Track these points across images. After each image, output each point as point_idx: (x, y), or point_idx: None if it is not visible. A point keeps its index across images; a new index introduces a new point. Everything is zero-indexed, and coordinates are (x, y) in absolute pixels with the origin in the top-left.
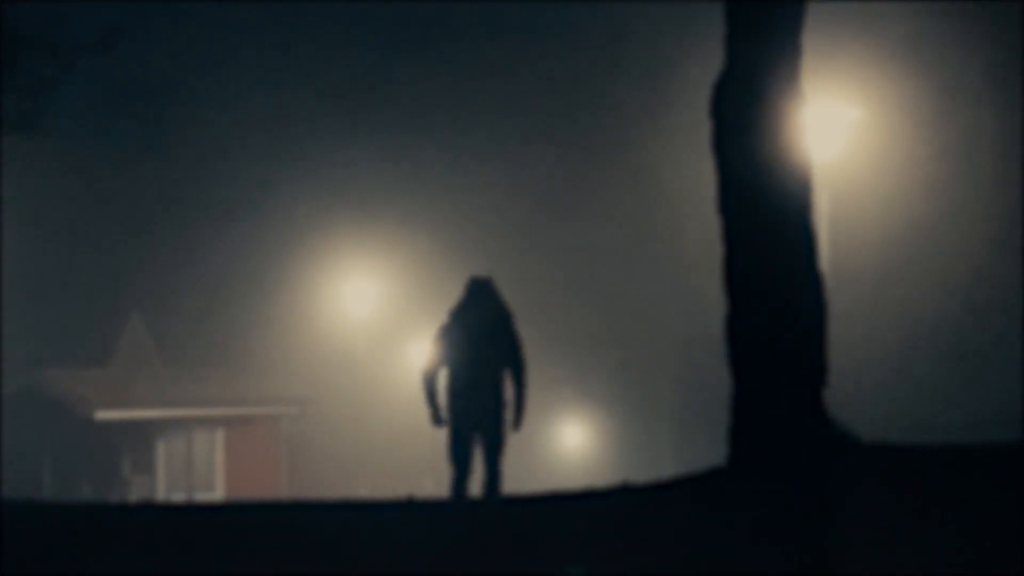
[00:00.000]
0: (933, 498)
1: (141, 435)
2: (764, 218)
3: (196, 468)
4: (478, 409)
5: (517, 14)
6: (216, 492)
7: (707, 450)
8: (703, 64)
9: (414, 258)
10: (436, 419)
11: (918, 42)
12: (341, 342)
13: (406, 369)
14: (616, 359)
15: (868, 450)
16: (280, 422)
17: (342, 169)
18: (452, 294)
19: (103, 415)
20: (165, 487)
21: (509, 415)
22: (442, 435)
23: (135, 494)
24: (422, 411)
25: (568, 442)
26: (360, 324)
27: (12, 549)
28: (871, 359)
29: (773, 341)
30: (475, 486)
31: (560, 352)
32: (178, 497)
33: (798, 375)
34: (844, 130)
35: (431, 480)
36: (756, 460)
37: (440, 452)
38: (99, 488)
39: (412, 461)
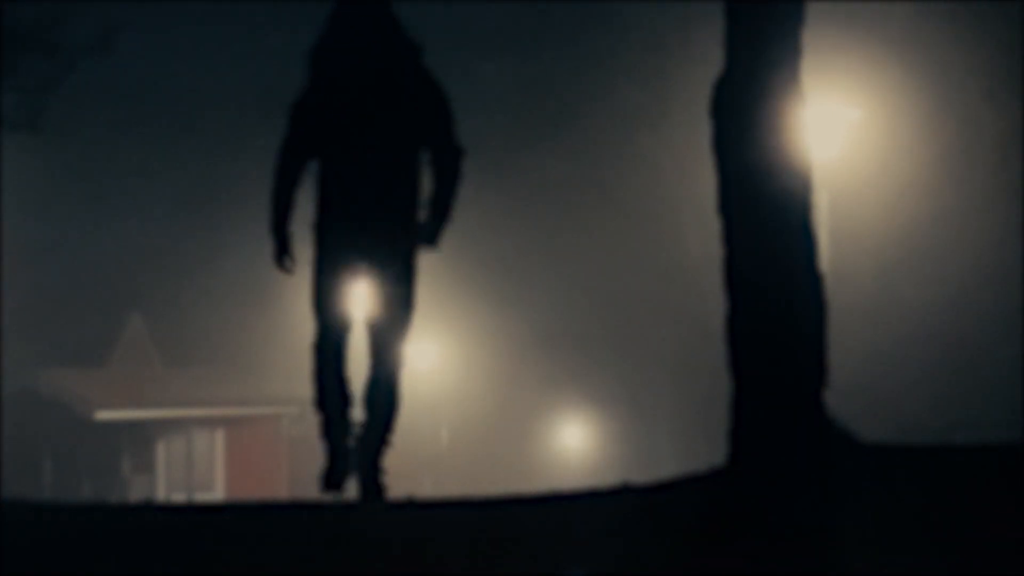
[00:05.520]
0: (933, 498)
1: (141, 435)
2: (764, 218)
3: (196, 468)
4: (372, 228)
5: (516, 14)
6: (216, 492)
7: (707, 450)
8: (703, 64)
9: None
10: (281, 252)
11: (918, 42)
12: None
13: (406, 369)
14: (616, 359)
15: (868, 450)
16: (280, 422)
17: None
18: (451, 294)
19: (103, 415)
20: (165, 487)
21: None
22: (442, 433)
23: (135, 494)
24: (421, 410)
25: (568, 442)
26: (359, 325)
27: (12, 549)
28: (870, 359)
29: (773, 341)
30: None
31: (560, 352)
32: (178, 497)
33: (798, 375)
34: (844, 130)
35: (431, 480)
36: (756, 460)
37: (441, 452)
38: (99, 488)
39: (412, 461)
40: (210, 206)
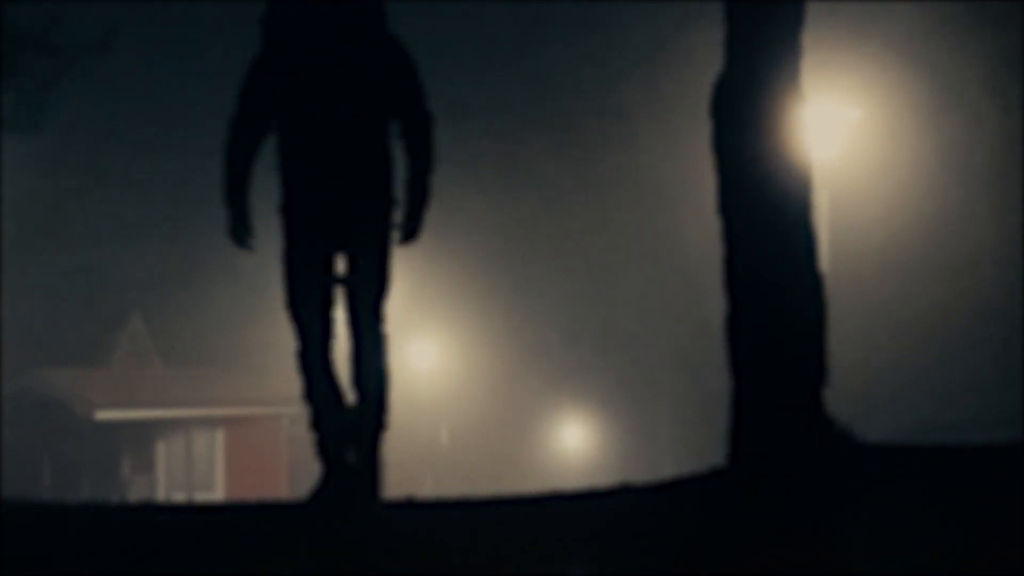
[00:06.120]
0: (933, 498)
1: (141, 435)
2: (764, 218)
3: (196, 468)
4: (340, 211)
5: (516, 13)
6: (216, 492)
7: (707, 450)
8: (703, 64)
9: (413, 258)
10: (239, 228)
11: (918, 42)
12: (341, 342)
13: (405, 369)
14: (617, 359)
15: (868, 450)
16: (280, 422)
17: None
18: (451, 294)
19: (103, 415)
20: (165, 487)
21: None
22: (442, 433)
23: (135, 494)
24: (421, 411)
25: (568, 442)
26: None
27: (12, 549)
28: (870, 358)
29: (773, 341)
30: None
31: (560, 352)
32: (178, 497)
33: (798, 375)
34: (844, 130)
35: (431, 480)
36: (756, 460)
37: (441, 452)
38: (99, 488)
39: (412, 461)
40: (211, 206)
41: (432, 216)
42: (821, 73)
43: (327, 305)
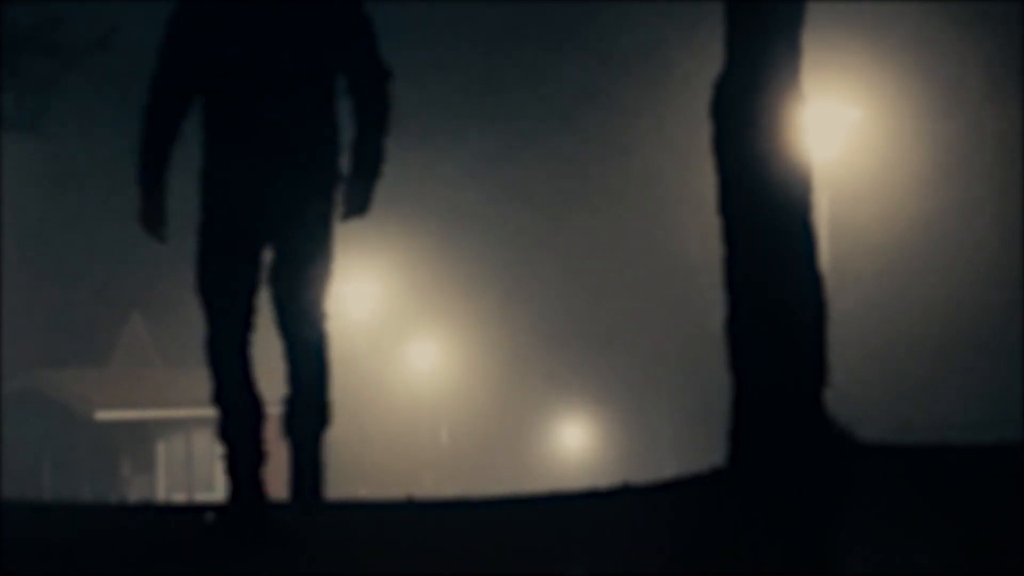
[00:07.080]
0: (933, 498)
1: (141, 435)
2: (764, 218)
3: (196, 468)
4: (279, 179)
5: (516, 14)
6: (216, 492)
7: (707, 450)
8: (703, 64)
9: (414, 258)
10: (152, 215)
11: (918, 42)
12: (340, 342)
13: (406, 369)
14: (616, 359)
15: (868, 450)
16: (280, 422)
17: None
18: (451, 294)
19: (103, 415)
20: (165, 487)
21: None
22: (442, 433)
23: (135, 494)
24: (421, 411)
25: (568, 442)
26: (360, 324)
27: (12, 549)
28: (871, 359)
29: (773, 341)
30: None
31: (560, 352)
32: (178, 497)
33: (798, 375)
34: (844, 130)
35: (431, 480)
36: (756, 460)
37: (441, 452)
38: (99, 488)
39: (412, 461)
40: None
41: (432, 216)
42: (821, 73)
43: (250, 291)
